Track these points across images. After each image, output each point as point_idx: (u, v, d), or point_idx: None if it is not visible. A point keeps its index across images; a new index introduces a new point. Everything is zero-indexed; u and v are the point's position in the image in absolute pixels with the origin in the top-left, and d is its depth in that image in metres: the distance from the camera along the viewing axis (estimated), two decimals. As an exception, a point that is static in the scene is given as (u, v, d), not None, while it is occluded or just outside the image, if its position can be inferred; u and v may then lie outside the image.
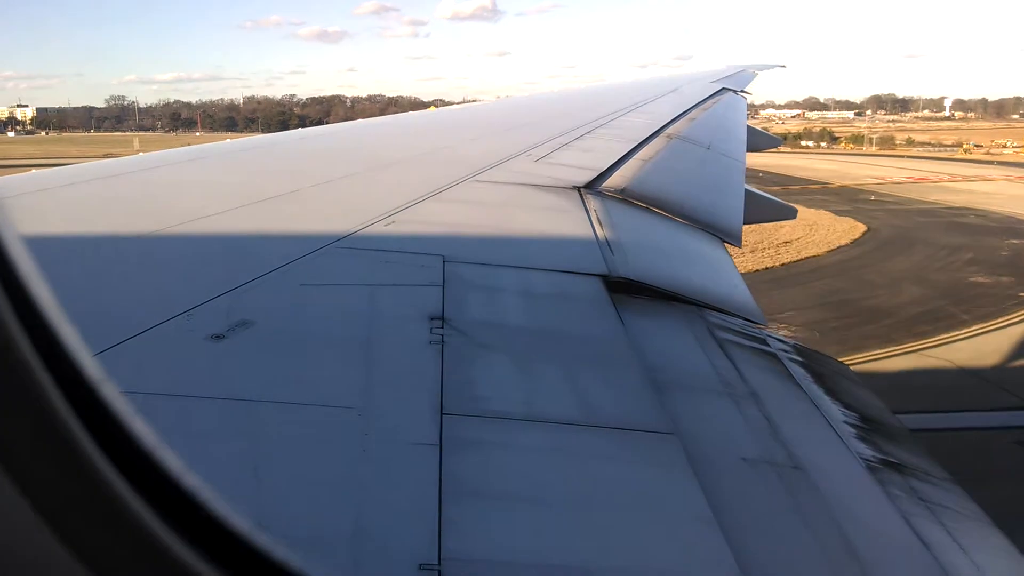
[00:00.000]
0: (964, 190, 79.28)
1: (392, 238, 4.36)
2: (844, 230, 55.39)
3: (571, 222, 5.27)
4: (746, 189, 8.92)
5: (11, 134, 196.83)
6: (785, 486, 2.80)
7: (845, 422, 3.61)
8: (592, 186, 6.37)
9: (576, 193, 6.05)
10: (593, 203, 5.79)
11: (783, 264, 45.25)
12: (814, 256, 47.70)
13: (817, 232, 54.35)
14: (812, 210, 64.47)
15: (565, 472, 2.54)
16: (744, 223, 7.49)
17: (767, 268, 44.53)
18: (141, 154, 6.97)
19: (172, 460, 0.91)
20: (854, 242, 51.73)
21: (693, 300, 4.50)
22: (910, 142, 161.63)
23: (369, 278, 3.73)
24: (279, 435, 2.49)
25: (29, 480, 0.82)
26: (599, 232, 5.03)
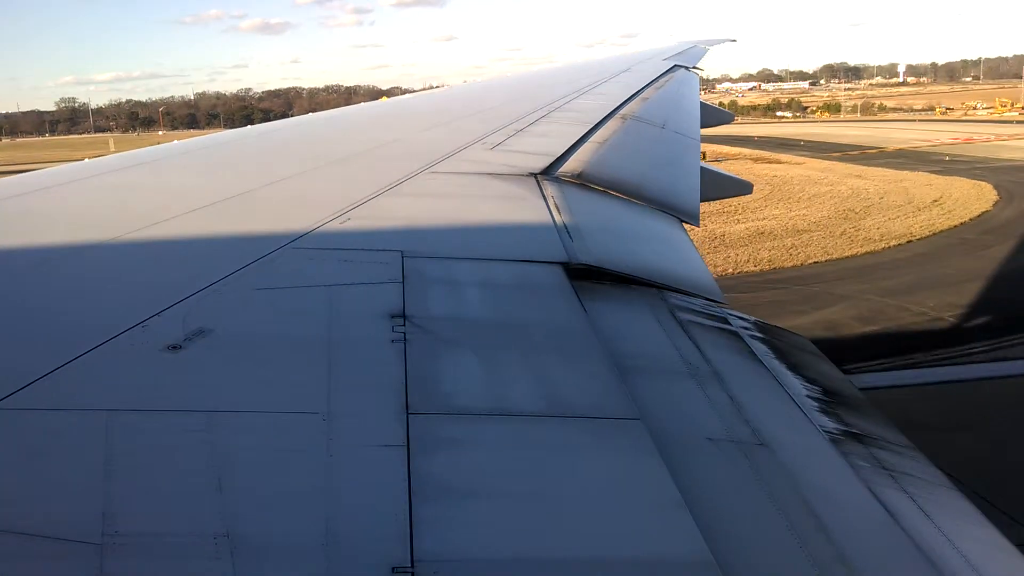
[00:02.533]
0: (1022, 147, 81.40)
1: (349, 236, 4.31)
2: (972, 188, 57.23)
3: (529, 210, 5.26)
4: (702, 166, 8.98)
5: None
6: (751, 464, 2.84)
7: (807, 396, 3.66)
8: (549, 172, 6.36)
9: (533, 180, 6.03)
10: (550, 189, 5.78)
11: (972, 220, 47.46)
12: (986, 212, 49.67)
13: (954, 190, 56.19)
14: (911, 172, 66.20)
15: (534, 464, 2.55)
16: (701, 200, 7.54)
17: (962, 224, 46.55)
18: (88, 160, 6.80)
19: None
20: (1001, 200, 53.31)
21: (654, 283, 4.52)
22: (882, 108, 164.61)
23: (327, 278, 3.69)
24: (242, 444, 2.46)
25: None
26: (557, 219, 5.03)
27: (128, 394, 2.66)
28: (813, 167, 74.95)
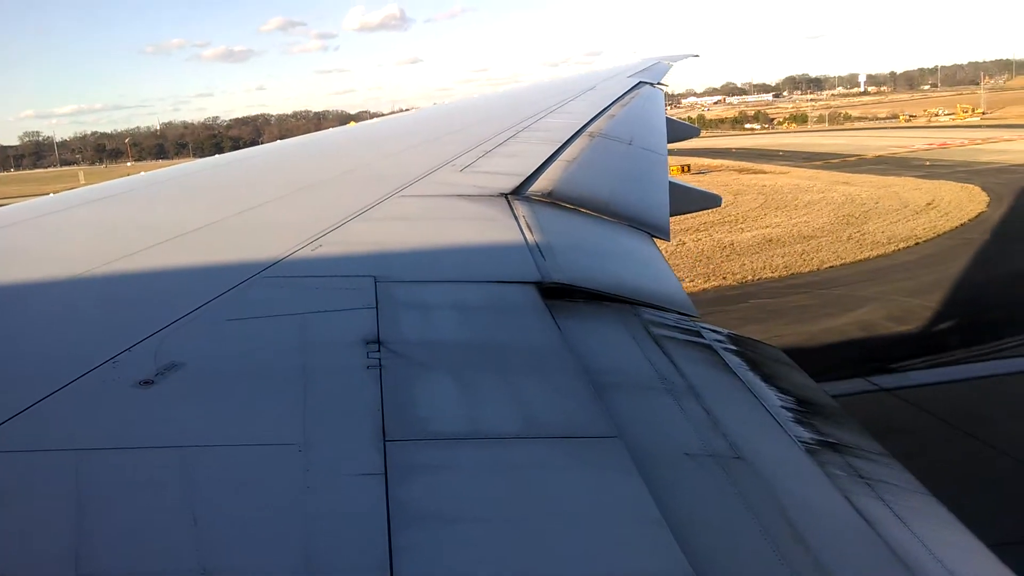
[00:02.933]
0: (997, 150, 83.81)
1: (320, 263, 4.30)
2: (961, 191, 58.53)
3: (500, 230, 5.28)
4: (671, 181, 9.06)
5: None
6: (729, 477, 2.85)
7: (782, 407, 3.69)
8: (519, 191, 6.39)
9: (504, 200, 6.06)
10: (521, 209, 5.81)
11: (971, 221, 48.80)
12: (982, 212, 51.08)
13: (945, 194, 57.33)
14: (898, 178, 67.72)
15: (512, 487, 2.54)
16: (672, 214, 7.60)
17: (962, 225, 47.80)
18: (51, 195, 6.72)
19: None
20: (993, 202, 54.45)
21: (627, 299, 4.54)
22: (847, 117, 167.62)
23: (299, 306, 3.67)
24: (218, 479, 2.43)
25: None
26: (529, 238, 5.05)
27: (99, 432, 2.63)
28: (799, 176, 76.08)
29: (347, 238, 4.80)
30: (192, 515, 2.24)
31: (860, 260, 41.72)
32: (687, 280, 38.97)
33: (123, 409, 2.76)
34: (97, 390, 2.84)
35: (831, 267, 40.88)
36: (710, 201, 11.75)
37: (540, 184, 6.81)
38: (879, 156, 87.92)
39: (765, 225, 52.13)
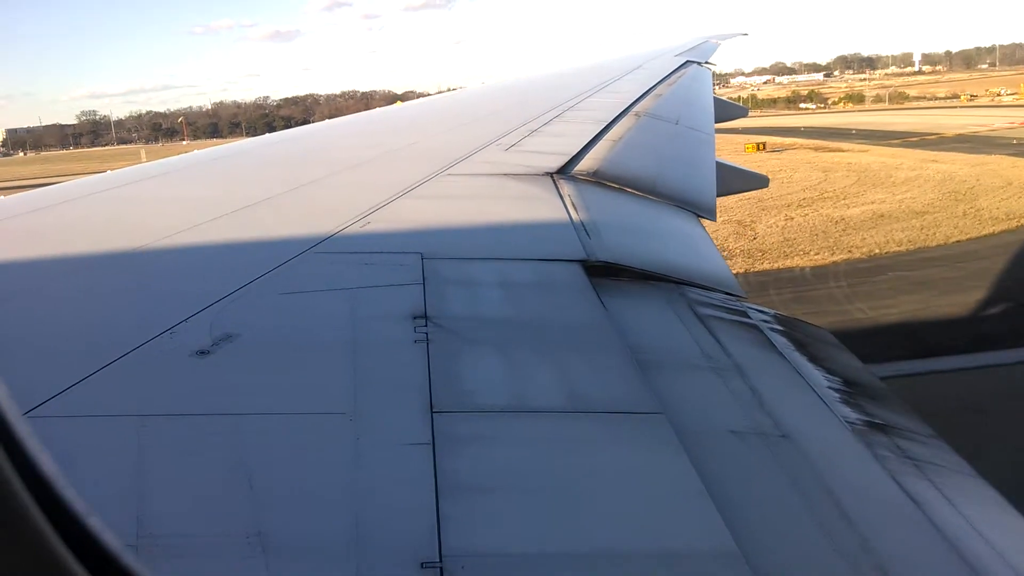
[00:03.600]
0: None
1: (369, 239, 4.36)
2: None
3: (546, 209, 5.29)
4: (717, 161, 8.97)
5: None
6: (774, 455, 2.85)
7: (829, 387, 3.66)
8: (564, 171, 6.39)
9: (549, 179, 6.06)
10: (566, 188, 5.81)
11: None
12: None
13: None
14: (989, 156, 66.48)
15: (558, 460, 2.58)
16: (718, 195, 7.53)
17: None
18: (110, 172, 6.90)
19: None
20: None
21: (672, 278, 4.53)
22: (905, 97, 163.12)
23: (349, 281, 3.74)
24: (271, 446, 2.50)
25: None
26: (574, 217, 5.05)
27: (158, 399, 2.72)
28: (881, 154, 73.56)
29: (395, 215, 4.86)
30: (247, 480, 2.31)
31: (987, 235, 41.25)
32: (812, 253, 38.42)
33: (180, 378, 2.85)
34: (156, 359, 2.94)
35: (958, 241, 40.06)
36: (758, 182, 11.60)
37: (585, 163, 6.80)
38: (960, 135, 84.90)
39: (870, 201, 50.82)
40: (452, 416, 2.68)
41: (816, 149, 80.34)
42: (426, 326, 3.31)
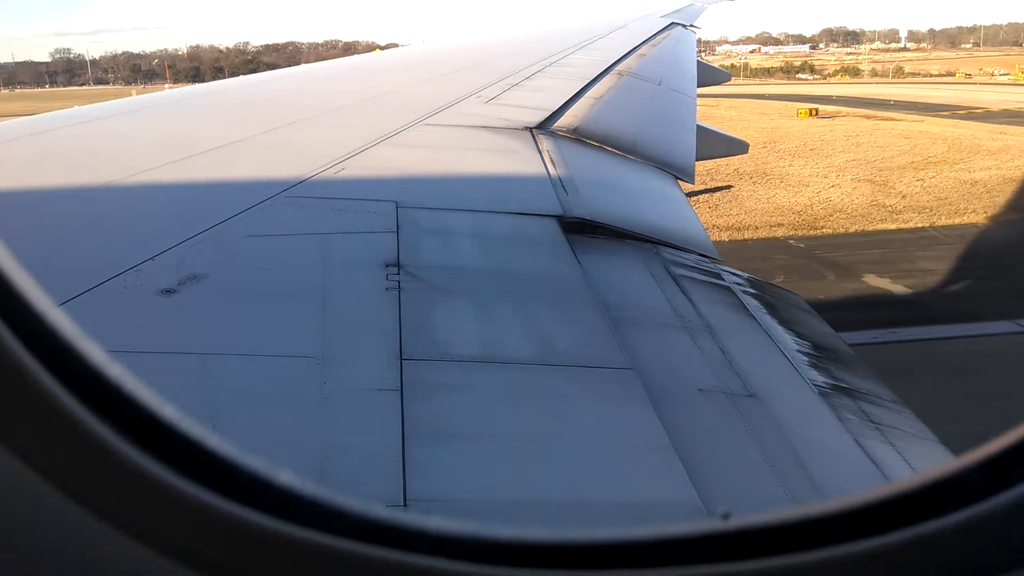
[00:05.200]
0: None
1: (343, 185, 4.29)
2: None
3: (524, 163, 5.24)
4: (698, 125, 8.93)
5: None
6: (740, 414, 2.87)
7: (798, 351, 3.69)
8: (544, 126, 6.32)
9: (528, 134, 6.00)
10: (545, 143, 5.75)
11: None
12: None
13: None
14: None
15: (526, 411, 2.57)
16: (696, 159, 7.51)
17: None
18: (80, 107, 6.72)
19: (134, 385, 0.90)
20: None
21: (648, 238, 4.52)
22: (901, 72, 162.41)
23: (321, 227, 3.68)
24: (237, 386, 2.47)
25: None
26: (552, 172, 5.01)
27: (122, 336, 2.66)
28: (941, 124, 71.25)
29: (370, 163, 4.79)
30: (211, 419, 2.28)
31: None
32: (970, 212, 37.26)
33: (144, 315, 2.79)
34: (120, 296, 2.88)
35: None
36: (738, 147, 11.60)
37: (566, 120, 6.73)
38: (1005, 110, 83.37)
39: (983, 167, 48.47)
40: (421, 364, 2.66)
41: (867, 117, 78.07)
42: (398, 274, 3.27)
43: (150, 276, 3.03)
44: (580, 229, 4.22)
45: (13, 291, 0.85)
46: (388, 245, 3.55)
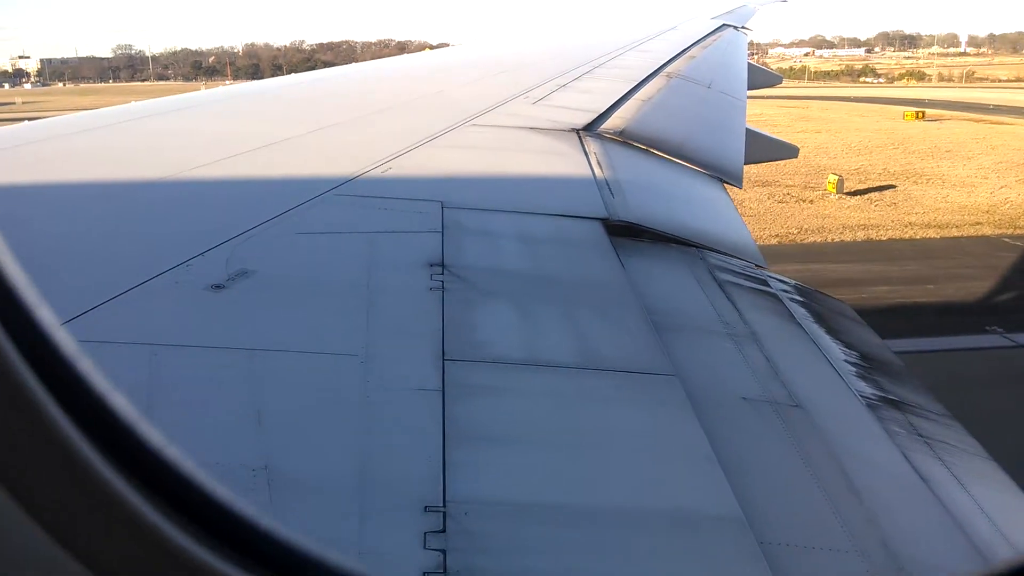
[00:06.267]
0: None
1: (389, 184, 4.33)
2: None
3: (570, 166, 5.23)
4: (747, 128, 8.83)
5: (28, 86, 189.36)
6: (785, 424, 2.83)
7: (845, 361, 3.63)
8: (591, 128, 6.30)
9: (575, 136, 5.98)
10: (592, 146, 5.73)
11: None
12: None
13: None
14: None
15: (567, 415, 2.57)
16: (745, 163, 7.43)
17: None
18: (135, 103, 6.88)
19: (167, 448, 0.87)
20: None
21: (694, 242, 4.48)
22: (972, 77, 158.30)
23: (367, 225, 3.71)
24: (282, 382, 2.50)
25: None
26: (598, 175, 4.99)
27: (171, 330, 2.72)
28: None
29: (417, 162, 4.82)
30: (256, 415, 2.31)
31: None
32: None
33: (194, 310, 2.85)
34: (171, 290, 2.94)
35: None
36: (787, 151, 11.44)
37: (613, 122, 6.70)
38: None
39: None
40: (464, 365, 2.67)
41: (976, 121, 76.13)
42: (442, 274, 3.29)
43: (201, 271, 3.08)
44: (625, 232, 4.19)
45: (56, 351, 0.83)
46: (433, 245, 3.58)
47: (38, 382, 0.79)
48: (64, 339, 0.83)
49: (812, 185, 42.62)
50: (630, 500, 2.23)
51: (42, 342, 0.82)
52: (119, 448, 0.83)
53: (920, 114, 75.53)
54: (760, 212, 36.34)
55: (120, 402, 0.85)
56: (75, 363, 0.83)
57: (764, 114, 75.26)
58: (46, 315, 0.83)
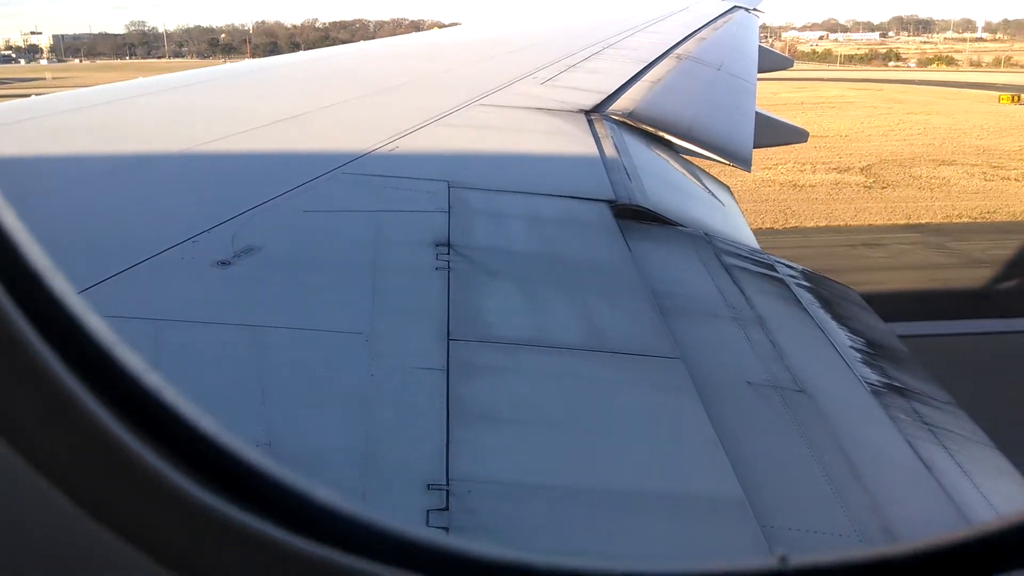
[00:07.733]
0: None
1: (396, 163, 4.31)
2: None
3: (577, 147, 5.20)
4: (757, 112, 8.77)
5: (44, 61, 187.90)
6: (789, 409, 2.82)
7: (851, 347, 3.62)
8: (599, 109, 6.26)
9: (583, 117, 5.95)
10: (600, 127, 5.70)
11: None
12: None
13: None
14: None
15: (571, 396, 2.57)
16: (754, 147, 7.38)
17: None
18: (142, 79, 6.86)
19: (163, 387, 0.87)
20: None
21: (699, 227, 4.46)
22: (1009, 62, 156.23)
23: (374, 204, 3.71)
24: (287, 359, 2.51)
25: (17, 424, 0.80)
26: (606, 157, 4.97)
27: (177, 305, 2.73)
28: None
29: (424, 142, 4.80)
30: (260, 390, 2.32)
31: None
32: None
33: (200, 286, 2.85)
34: (177, 265, 2.94)
35: None
36: (797, 135, 11.38)
37: (622, 103, 6.66)
38: None
39: None
40: (468, 344, 2.67)
41: None
42: (448, 254, 3.28)
43: (207, 247, 3.08)
44: (632, 215, 4.18)
45: (51, 296, 0.83)
46: (439, 225, 3.57)
47: (53, 352, 0.80)
48: (77, 303, 0.84)
49: (997, 164, 43.01)
50: (633, 482, 2.23)
51: (53, 307, 0.82)
52: (128, 401, 0.83)
53: (1016, 97, 74.27)
54: (985, 189, 37.17)
55: (127, 354, 0.85)
56: (84, 322, 0.84)
57: (846, 96, 74.03)
58: (59, 283, 0.83)
